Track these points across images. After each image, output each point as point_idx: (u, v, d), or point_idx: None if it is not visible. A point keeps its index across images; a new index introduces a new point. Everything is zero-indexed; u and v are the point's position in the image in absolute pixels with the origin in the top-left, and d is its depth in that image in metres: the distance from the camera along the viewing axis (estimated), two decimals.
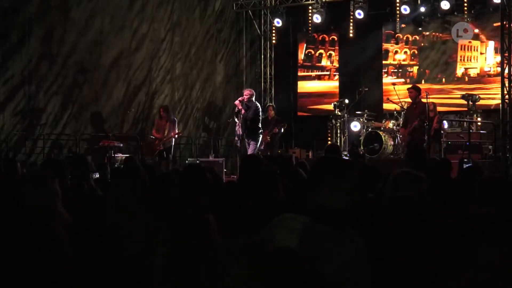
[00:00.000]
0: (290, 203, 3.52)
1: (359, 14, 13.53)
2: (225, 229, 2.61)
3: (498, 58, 13.07)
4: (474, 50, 13.56)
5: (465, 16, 13.05)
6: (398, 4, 13.39)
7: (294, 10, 14.64)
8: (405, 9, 13.25)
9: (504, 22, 10.88)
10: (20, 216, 3.11)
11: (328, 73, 15.39)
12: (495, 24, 13.07)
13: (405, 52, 14.37)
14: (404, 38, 14.30)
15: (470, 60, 13.63)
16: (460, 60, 13.71)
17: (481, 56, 13.51)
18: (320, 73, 15.46)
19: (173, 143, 11.53)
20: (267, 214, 2.65)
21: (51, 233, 2.72)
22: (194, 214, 2.57)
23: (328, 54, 15.37)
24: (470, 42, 13.49)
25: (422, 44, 14.13)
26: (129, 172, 4.21)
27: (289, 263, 1.78)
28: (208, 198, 3.35)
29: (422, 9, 13.31)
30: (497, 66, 13.19)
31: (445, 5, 12.84)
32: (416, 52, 14.24)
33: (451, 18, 13.48)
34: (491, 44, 13.34)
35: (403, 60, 14.41)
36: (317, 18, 13.92)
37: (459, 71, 13.72)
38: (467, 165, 7.57)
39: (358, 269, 2.20)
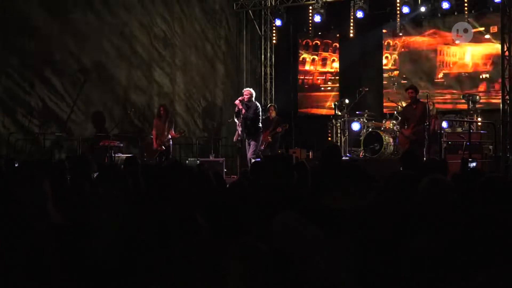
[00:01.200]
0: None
1: (360, 14, 13.53)
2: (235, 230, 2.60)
3: None
4: (452, 55, 13.81)
5: (465, 16, 13.05)
6: (398, 4, 13.39)
7: (294, 10, 14.64)
8: (406, 9, 13.25)
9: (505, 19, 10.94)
10: (10, 215, 3.10)
11: (311, 77, 15.57)
12: (473, 30, 13.27)
13: (386, 57, 14.57)
14: (385, 44, 14.38)
15: (449, 65, 13.86)
16: (439, 65, 13.93)
17: (459, 62, 13.78)
18: (303, 77, 15.68)
19: (171, 143, 11.50)
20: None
21: (38, 233, 2.72)
22: (181, 213, 2.56)
23: (312, 58, 15.52)
24: (449, 47, 13.75)
25: (403, 50, 14.27)
26: (127, 172, 4.22)
27: (286, 264, 1.77)
28: (201, 197, 3.35)
29: (422, 9, 13.31)
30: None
31: (445, 5, 12.86)
32: (396, 57, 14.34)
33: (451, 18, 13.49)
34: (469, 49, 13.57)
35: (385, 65, 14.57)
36: (317, 18, 13.93)
37: (439, 75, 13.91)
38: (472, 165, 7.60)
39: (353, 269, 2.20)
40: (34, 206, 3.19)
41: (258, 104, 10.78)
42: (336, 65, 15.25)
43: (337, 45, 15.16)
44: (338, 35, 15.08)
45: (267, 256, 1.80)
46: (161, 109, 11.37)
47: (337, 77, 15.26)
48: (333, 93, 15.20)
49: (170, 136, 11.23)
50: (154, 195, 3.70)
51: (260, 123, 10.70)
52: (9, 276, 2.51)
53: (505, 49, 11.00)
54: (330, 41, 15.26)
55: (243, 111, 10.49)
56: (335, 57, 15.24)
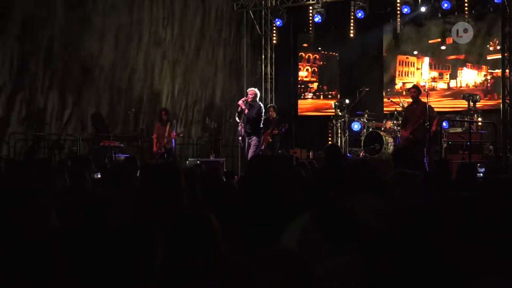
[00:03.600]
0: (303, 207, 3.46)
1: (360, 14, 13.53)
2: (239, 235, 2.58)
3: (433, 73, 14.09)
4: (411, 65, 14.36)
5: (466, 16, 13.05)
6: (398, 4, 13.39)
7: (294, 10, 14.64)
8: (406, 9, 13.26)
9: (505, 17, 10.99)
10: (15, 215, 3.09)
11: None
12: (430, 41, 13.82)
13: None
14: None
15: (408, 75, 14.41)
16: (399, 75, 14.47)
17: (417, 71, 14.30)
18: None
19: (174, 144, 11.54)
20: (280, 218, 2.62)
21: (44, 234, 2.71)
22: (194, 212, 2.55)
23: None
24: (407, 57, 14.35)
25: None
26: (128, 172, 4.20)
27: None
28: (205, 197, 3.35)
29: (423, 9, 13.32)
30: (431, 81, 14.05)
31: (445, 5, 12.86)
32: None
33: (451, 18, 13.50)
34: (426, 60, 14.09)
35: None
36: (317, 18, 13.94)
37: (398, 85, 14.31)
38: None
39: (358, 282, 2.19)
40: (40, 205, 3.18)
41: (261, 105, 10.83)
42: (302, 73, 15.65)
43: (318, 56, 15.48)
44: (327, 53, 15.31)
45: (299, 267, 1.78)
46: (163, 113, 11.50)
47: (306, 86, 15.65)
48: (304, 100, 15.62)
49: (171, 138, 11.28)
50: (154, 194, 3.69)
51: (261, 124, 10.75)
52: (15, 277, 2.51)
53: (505, 49, 11.00)
54: (318, 55, 15.48)
55: (246, 111, 10.52)
56: (302, 66, 15.64)
